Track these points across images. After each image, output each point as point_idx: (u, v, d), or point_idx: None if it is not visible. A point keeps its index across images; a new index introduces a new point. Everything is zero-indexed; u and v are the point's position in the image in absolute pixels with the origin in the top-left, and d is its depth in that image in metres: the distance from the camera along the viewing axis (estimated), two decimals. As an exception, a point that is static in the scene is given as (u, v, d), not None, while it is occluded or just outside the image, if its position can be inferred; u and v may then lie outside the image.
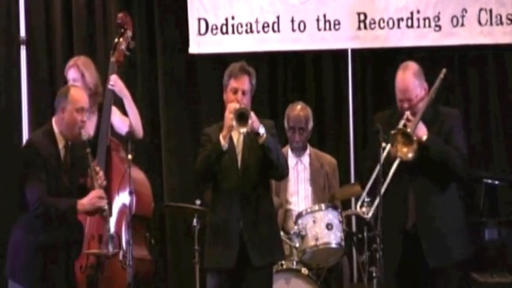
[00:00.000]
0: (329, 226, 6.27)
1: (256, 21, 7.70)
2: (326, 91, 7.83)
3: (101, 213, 5.62)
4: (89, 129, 6.02)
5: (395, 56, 7.34)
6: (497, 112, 7.73)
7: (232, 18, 7.73)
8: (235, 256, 5.43)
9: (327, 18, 7.68)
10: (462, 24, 7.61)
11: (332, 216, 6.32)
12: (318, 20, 7.68)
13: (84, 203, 5.53)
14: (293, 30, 7.70)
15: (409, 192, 5.52)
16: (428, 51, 7.63)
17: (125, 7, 7.56)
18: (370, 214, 5.48)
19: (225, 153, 5.42)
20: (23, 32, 7.87)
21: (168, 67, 7.86)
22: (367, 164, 5.59)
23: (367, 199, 5.53)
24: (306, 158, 6.89)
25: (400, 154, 5.39)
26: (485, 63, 7.74)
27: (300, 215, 6.39)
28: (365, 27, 7.65)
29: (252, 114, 5.36)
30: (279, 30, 7.70)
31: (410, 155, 5.39)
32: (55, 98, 5.71)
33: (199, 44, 7.76)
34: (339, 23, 7.67)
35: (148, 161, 7.58)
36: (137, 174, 6.18)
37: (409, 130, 5.39)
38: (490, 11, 7.60)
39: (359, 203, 5.63)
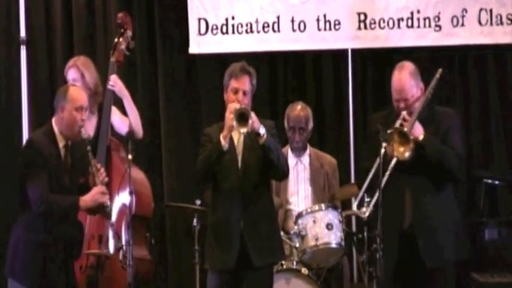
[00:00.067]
0: (329, 226, 6.27)
1: (257, 21, 7.70)
2: (326, 91, 7.83)
3: (103, 210, 5.62)
4: (89, 129, 6.02)
5: (396, 56, 7.32)
6: (498, 112, 7.73)
7: (233, 18, 7.72)
8: (236, 256, 5.43)
9: (327, 18, 7.68)
10: (462, 24, 7.61)
11: (332, 216, 6.32)
12: (318, 20, 7.68)
13: (87, 199, 5.54)
14: (293, 30, 7.69)
15: (405, 192, 5.52)
16: (429, 51, 7.64)
17: (125, 7, 7.55)
18: (367, 214, 5.48)
19: (225, 153, 5.42)
20: (23, 32, 7.87)
21: (168, 67, 7.86)
22: (364, 164, 5.59)
23: (367, 199, 5.52)
24: (306, 158, 6.89)
25: (396, 154, 5.39)
26: (485, 63, 7.74)
27: (300, 215, 6.39)
28: (365, 27, 7.65)
29: (253, 115, 5.36)
30: (279, 30, 7.70)
31: (407, 155, 5.39)
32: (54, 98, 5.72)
33: (199, 44, 7.75)
34: (339, 23, 7.67)
35: (148, 161, 7.57)
36: (137, 174, 6.18)
37: (405, 130, 5.40)
38: (490, 11, 7.59)
39: (356, 203, 5.63)
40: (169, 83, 7.85)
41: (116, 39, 6.45)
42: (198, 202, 6.69)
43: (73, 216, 5.63)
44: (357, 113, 7.75)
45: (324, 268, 6.43)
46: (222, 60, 7.29)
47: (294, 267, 6.37)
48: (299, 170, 6.86)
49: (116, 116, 6.36)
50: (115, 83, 6.32)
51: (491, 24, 7.60)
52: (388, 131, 5.39)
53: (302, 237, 6.30)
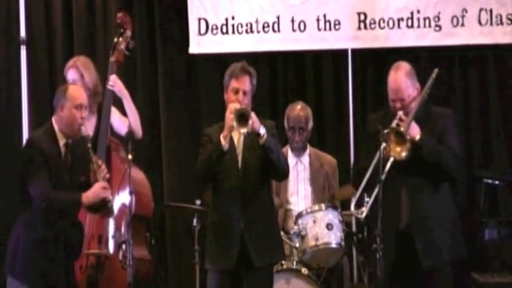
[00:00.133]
0: (329, 226, 6.27)
1: (257, 21, 7.70)
2: (326, 91, 7.83)
3: (105, 206, 5.62)
4: (89, 129, 6.02)
5: (396, 56, 7.31)
6: (498, 112, 7.73)
7: (233, 18, 7.72)
8: (236, 256, 5.43)
9: (327, 18, 7.68)
10: (462, 24, 7.61)
11: (332, 216, 6.32)
12: (318, 20, 7.68)
13: (89, 195, 5.55)
14: (293, 30, 7.70)
15: (402, 192, 5.52)
16: (429, 51, 7.64)
17: (125, 7, 7.55)
18: (364, 214, 5.48)
19: (225, 154, 5.42)
20: (23, 32, 7.88)
21: (168, 67, 7.86)
22: (362, 164, 5.59)
23: (366, 199, 5.52)
24: (305, 158, 6.89)
25: (393, 154, 5.39)
26: (485, 63, 7.74)
27: (300, 215, 6.39)
28: (365, 27, 7.65)
29: (253, 115, 5.36)
30: (279, 30, 7.70)
31: (403, 154, 5.38)
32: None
33: (199, 44, 7.76)
34: (339, 23, 7.67)
35: (148, 161, 7.57)
36: (137, 174, 6.19)
37: (402, 129, 5.40)
38: (490, 11, 7.59)
39: (353, 203, 5.64)
40: (169, 83, 7.85)
41: (115, 39, 6.45)
42: (198, 202, 6.69)
43: (74, 213, 5.64)
44: (357, 113, 7.75)
45: (324, 268, 6.43)
46: (222, 60, 7.29)
47: (294, 267, 6.37)
48: (299, 170, 6.86)
49: (115, 116, 6.36)
50: (114, 83, 6.32)
51: (491, 24, 7.60)
52: (385, 131, 5.39)
53: (302, 237, 6.29)
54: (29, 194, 5.48)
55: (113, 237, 6.01)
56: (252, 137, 5.46)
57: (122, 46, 6.41)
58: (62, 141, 5.59)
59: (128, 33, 6.46)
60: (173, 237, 7.78)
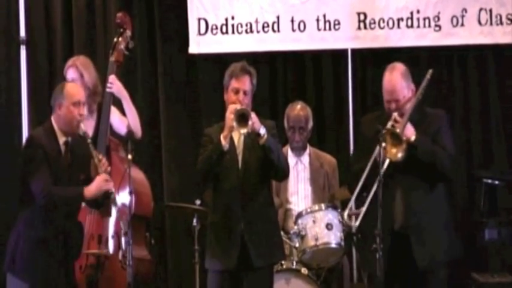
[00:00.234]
0: (329, 226, 6.27)
1: (256, 21, 7.70)
2: (326, 91, 7.82)
3: (108, 197, 5.61)
4: (88, 129, 6.01)
5: (396, 56, 7.32)
6: (498, 112, 7.73)
7: (232, 18, 7.72)
8: (236, 256, 5.44)
9: (326, 18, 7.68)
10: (462, 24, 7.61)
11: (332, 216, 6.31)
12: (317, 20, 7.68)
13: (91, 189, 5.56)
14: (293, 30, 7.69)
15: (396, 193, 5.52)
16: (428, 51, 7.64)
17: (125, 7, 7.54)
18: (357, 223, 5.48)
19: (225, 154, 5.42)
20: (23, 32, 7.87)
21: (168, 67, 7.86)
22: (358, 166, 5.58)
23: (358, 209, 5.53)
24: (305, 158, 6.89)
25: (389, 155, 5.39)
26: (485, 63, 7.74)
27: (299, 215, 6.38)
28: (365, 27, 7.65)
29: (253, 115, 5.36)
30: (278, 30, 7.70)
31: (399, 155, 5.39)
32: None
33: (199, 44, 7.75)
34: (338, 23, 7.67)
35: (148, 161, 7.57)
36: (137, 174, 6.18)
37: (398, 131, 5.39)
38: (490, 11, 7.59)
39: (346, 212, 5.65)
40: (169, 83, 7.85)
41: (115, 39, 6.45)
42: (198, 202, 6.69)
43: (77, 208, 5.65)
44: (356, 113, 7.75)
45: (323, 268, 6.43)
46: (222, 60, 7.29)
47: (294, 267, 6.37)
48: (299, 170, 6.86)
49: (115, 115, 6.36)
50: (113, 83, 6.31)
51: (491, 24, 7.60)
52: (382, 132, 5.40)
53: (302, 237, 6.29)
54: (30, 193, 5.48)
55: (112, 237, 6.01)
56: (252, 137, 5.46)
57: (122, 46, 6.40)
58: (61, 140, 5.60)
59: (128, 33, 6.45)
60: (173, 237, 7.78)
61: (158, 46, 7.86)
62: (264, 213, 5.55)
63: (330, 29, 7.67)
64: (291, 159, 6.79)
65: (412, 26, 7.62)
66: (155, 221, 7.29)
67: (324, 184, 6.82)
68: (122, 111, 6.43)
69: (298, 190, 6.84)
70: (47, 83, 7.80)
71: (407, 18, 7.63)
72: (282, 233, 6.00)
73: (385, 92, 5.63)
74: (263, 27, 7.70)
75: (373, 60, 7.75)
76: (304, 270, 6.35)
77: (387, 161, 5.38)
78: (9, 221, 5.91)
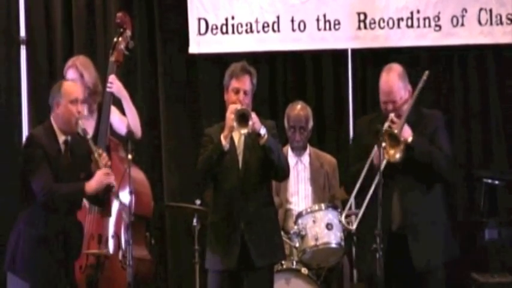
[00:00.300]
0: (329, 226, 6.27)
1: (256, 21, 7.70)
2: (326, 91, 7.83)
3: (110, 190, 5.60)
4: (88, 129, 6.01)
5: (396, 56, 7.33)
6: (498, 112, 7.73)
7: (232, 18, 7.72)
8: (236, 256, 5.43)
9: (327, 18, 7.68)
10: (462, 24, 7.61)
11: (332, 216, 6.31)
12: (318, 20, 7.68)
13: (92, 183, 5.55)
14: (293, 30, 7.69)
15: (393, 194, 5.51)
16: (428, 51, 7.64)
17: (125, 7, 7.55)
18: (354, 225, 5.48)
19: (226, 154, 5.42)
20: (23, 32, 7.88)
21: (168, 67, 7.86)
22: (356, 168, 5.57)
23: (356, 210, 5.52)
24: (306, 158, 6.88)
25: (387, 156, 5.39)
26: (485, 63, 7.74)
27: (300, 215, 6.38)
28: (365, 27, 7.65)
29: (253, 115, 5.36)
30: (279, 30, 7.70)
31: (397, 156, 5.39)
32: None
33: (199, 44, 7.76)
34: (339, 23, 7.67)
35: (148, 161, 7.58)
36: (137, 174, 6.18)
37: (396, 132, 5.39)
38: (490, 10, 7.59)
39: (344, 214, 5.64)
40: (169, 83, 7.85)
41: (115, 39, 6.45)
42: (198, 202, 6.69)
43: (78, 204, 5.65)
44: (356, 113, 7.74)
45: (324, 268, 6.43)
46: (222, 60, 7.29)
47: (294, 267, 6.37)
48: (299, 170, 6.86)
49: (115, 115, 6.36)
50: (113, 83, 6.30)
51: (491, 24, 7.60)
52: (382, 131, 5.40)
53: (302, 237, 6.29)
54: (31, 192, 5.47)
55: (112, 237, 6.00)
56: (252, 137, 5.46)
57: (122, 46, 6.40)
58: (61, 139, 5.60)
59: (128, 33, 6.45)
60: (173, 237, 7.78)
61: (158, 46, 7.87)
62: (264, 213, 5.55)
63: (330, 29, 7.67)
64: (291, 159, 6.79)
65: (412, 26, 7.62)
66: (155, 221, 7.30)
67: (324, 184, 6.82)
68: (122, 111, 6.43)
69: (299, 190, 6.84)
70: (47, 82, 7.77)
71: (408, 18, 7.63)
72: (282, 233, 6.00)
73: (382, 93, 5.62)
74: (263, 27, 7.70)
75: (373, 60, 7.75)
76: (304, 270, 6.35)
77: (384, 162, 5.38)
78: (9, 220, 5.89)
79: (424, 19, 7.62)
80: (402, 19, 7.63)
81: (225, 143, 5.38)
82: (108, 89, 6.29)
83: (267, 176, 5.59)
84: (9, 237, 5.61)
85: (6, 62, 7.87)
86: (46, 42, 7.88)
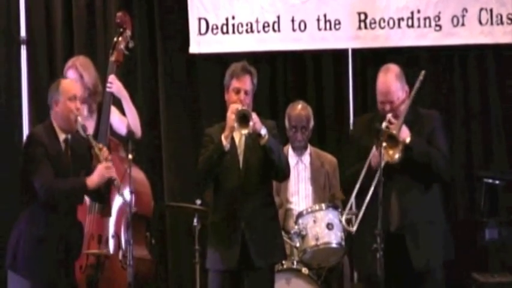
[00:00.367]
0: (329, 226, 6.26)
1: (257, 21, 7.70)
2: (326, 91, 7.82)
3: (112, 183, 5.59)
4: (89, 129, 6.01)
5: (396, 55, 7.33)
6: (498, 112, 7.72)
7: (233, 18, 7.72)
8: (237, 256, 5.43)
9: (327, 18, 7.68)
10: (463, 24, 7.61)
11: (332, 216, 6.30)
12: (318, 20, 7.68)
13: (93, 178, 5.53)
14: (293, 30, 7.69)
15: (391, 194, 5.51)
16: (429, 51, 7.64)
17: (125, 7, 7.54)
18: (355, 227, 5.48)
19: (226, 154, 5.42)
20: (23, 32, 7.88)
21: (168, 67, 7.85)
22: (351, 170, 5.56)
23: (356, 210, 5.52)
24: (306, 157, 6.89)
25: (386, 156, 5.38)
26: (485, 63, 7.73)
27: (300, 215, 6.37)
28: (365, 27, 7.65)
29: (254, 116, 5.36)
30: (279, 30, 7.70)
31: (396, 156, 5.39)
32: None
33: (199, 44, 7.75)
34: (339, 23, 7.67)
35: (148, 161, 7.57)
36: (137, 173, 6.18)
37: (394, 132, 5.39)
38: (491, 10, 7.59)
39: (344, 217, 5.63)
40: (169, 83, 7.85)
41: (114, 39, 6.44)
42: (199, 202, 6.69)
43: (79, 199, 5.65)
44: (357, 113, 7.73)
45: (324, 268, 6.42)
46: (223, 60, 7.28)
47: (295, 267, 6.37)
48: (300, 170, 6.86)
49: (115, 115, 6.36)
50: (112, 83, 6.30)
51: (492, 23, 7.60)
52: (382, 131, 5.39)
53: (302, 237, 6.28)
54: (31, 191, 5.47)
55: (113, 237, 6.00)
56: (253, 137, 5.46)
57: (122, 46, 6.40)
58: (61, 137, 5.59)
59: (128, 32, 6.45)
60: (173, 237, 7.78)
61: (158, 46, 7.86)
62: (265, 213, 5.55)
63: (330, 28, 7.67)
64: (292, 159, 6.79)
65: (412, 25, 7.62)
66: (156, 221, 7.30)
67: (325, 184, 6.82)
68: (122, 111, 6.42)
69: (299, 190, 6.84)
70: (47, 83, 7.75)
71: (408, 18, 7.62)
72: (282, 232, 6.00)
73: (379, 93, 5.62)
74: (263, 27, 7.70)
75: (374, 60, 7.74)
76: (304, 270, 6.35)
77: (383, 163, 5.38)
78: (10, 220, 5.89)
79: (425, 19, 7.62)
80: (403, 19, 7.63)
81: (225, 143, 5.38)
82: (108, 89, 6.29)
83: (268, 176, 5.59)
84: (9, 236, 5.61)
85: (6, 62, 7.86)
86: (46, 42, 7.88)
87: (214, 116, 6.74)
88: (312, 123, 6.87)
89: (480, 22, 7.60)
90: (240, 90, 5.50)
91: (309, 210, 6.37)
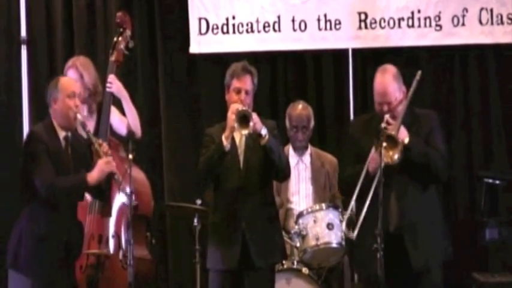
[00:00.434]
0: (330, 226, 6.26)
1: (257, 21, 7.70)
2: (327, 91, 7.82)
3: (112, 177, 5.59)
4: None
5: (396, 55, 7.33)
6: (498, 112, 7.72)
7: (233, 17, 7.72)
8: (237, 256, 5.44)
9: (327, 17, 7.68)
10: (463, 24, 7.61)
11: (333, 215, 6.30)
12: (318, 20, 7.68)
13: (94, 173, 5.52)
14: (294, 29, 7.69)
15: (390, 195, 5.50)
16: (429, 51, 7.64)
17: (125, 7, 7.54)
18: (355, 233, 5.47)
19: (227, 154, 5.42)
20: (23, 32, 7.88)
21: (169, 67, 7.85)
22: (352, 171, 5.56)
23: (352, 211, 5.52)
24: (307, 157, 6.89)
25: (386, 157, 5.38)
26: (485, 63, 7.73)
27: (300, 215, 6.37)
28: (366, 27, 7.65)
29: (255, 116, 5.36)
30: (279, 30, 7.70)
31: (396, 157, 5.38)
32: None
33: (200, 44, 7.75)
34: (339, 23, 7.67)
35: (148, 161, 7.57)
36: (137, 173, 6.17)
37: (393, 133, 5.39)
38: (491, 10, 7.59)
39: (344, 222, 5.62)
40: (169, 83, 7.85)
41: (114, 39, 6.44)
42: (199, 202, 6.69)
43: (80, 195, 5.64)
44: (357, 113, 7.73)
45: (324, 268, 6.42)
46: (223, 60, 7.29)
47: (295, 267, 6.37)
48: (300, 169, 6.86)
49: (115, 115, 6.36)
50: (112, 83, 6.30)
51: (492, 23, 7.60)
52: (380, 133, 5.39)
53: (303, 236, 6.28)
54: (32, 189, 5.47)
55: (113, 237, 6.00)
56: (253, 137, 5.47)
57: (122, 46, 6.40)
58: (61, 135, 5.59)
59: (128, 32, 6.45)
60: (174, 237, 7.78)
61: (159, 46, 7.86)
62: (265, 213, 5.56)
63: (330, 28, 7.67)
64: (293, 158, 6.80)
65: (412, 25, 7.62)
66: (156, 221, 7.29)
67: (325, 184, 6.83)
68: (122, 111, 6.42)
69: (300, 190, 6.84)
70: (47, 83, 7.77)
71: (408, 18, 7.62)
72: (283, 232, 6.00)
73: (376, 94, 5.61)
74: (264, 26, 7.70)
75: (374, 60, 7.72)
76: (305, 270, 6.35)
77: (383, 164, 5.37)
78: (10, 219, 5.89)
79: (425, 19, 7.62)
80: (403, 19, 7.63)
81: (226, 143, 5.38)
82: (107, 89, 6.29)
83: (268, 176, 5.59)
84: (10, 235, 5.61)
85: (6, 61, 7.87)
86: (47, 42, 7.88)
87: (214, 116, 6.74)
88: (312, 123, 6.87)
89: (480, 22, 7.60)
90: (240, 90, 5.50)
91: (310, 210, 6.36)
